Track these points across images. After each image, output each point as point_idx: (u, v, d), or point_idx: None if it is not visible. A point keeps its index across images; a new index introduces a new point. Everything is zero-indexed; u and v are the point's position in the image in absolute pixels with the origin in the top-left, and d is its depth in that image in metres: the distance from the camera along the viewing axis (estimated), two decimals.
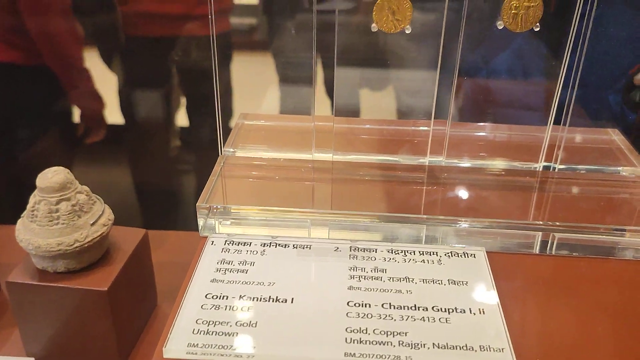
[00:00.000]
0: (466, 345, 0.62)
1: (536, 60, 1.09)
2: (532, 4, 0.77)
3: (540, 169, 0.90)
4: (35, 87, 1.45)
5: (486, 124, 0.99)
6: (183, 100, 1.58)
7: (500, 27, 0.78)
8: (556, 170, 0.90)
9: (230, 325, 0.65)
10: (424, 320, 0.66)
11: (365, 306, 0.68)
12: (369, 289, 0.70)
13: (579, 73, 0.83)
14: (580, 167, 0.91)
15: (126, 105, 1.55)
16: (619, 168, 0.91)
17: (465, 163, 0.92)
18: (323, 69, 1.08)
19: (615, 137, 0.99)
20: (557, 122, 0.87)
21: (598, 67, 0.82)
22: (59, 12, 1.37)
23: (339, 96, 0.90)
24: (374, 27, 0.80)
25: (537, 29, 0.78)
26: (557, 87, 0.84)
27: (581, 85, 0.84)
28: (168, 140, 1.62)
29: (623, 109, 1.17)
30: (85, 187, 0.77)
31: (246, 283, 0.71)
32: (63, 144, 1.60)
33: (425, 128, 0.93)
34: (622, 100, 1.16)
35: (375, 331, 0.64)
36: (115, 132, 1.56)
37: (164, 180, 1.66)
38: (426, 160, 0.91)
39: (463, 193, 0.87)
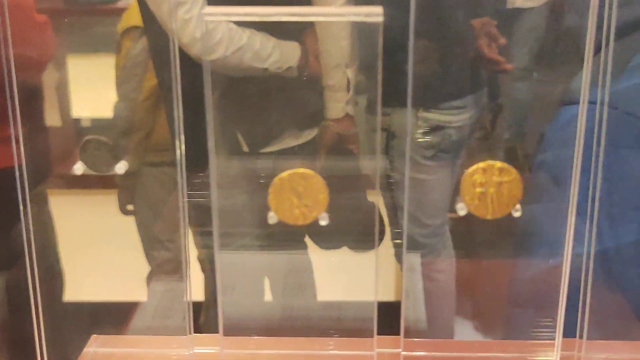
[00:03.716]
0: None
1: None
2: (505, 179, 0.51)
3: None
4: None
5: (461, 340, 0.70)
6: None
7: (463, 213, 0.52)
8: None
9: None
10: None
11: None
12: None
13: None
14: None
15: None
16: None
17: None
18: None
19: None
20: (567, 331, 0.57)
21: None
22: None
23: (227, 304, 0.58)
24: (272, 216, 0.51)
25: (518, 214, 0.52)
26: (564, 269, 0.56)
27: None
28: None
29: None
30: None
31: None
32: None
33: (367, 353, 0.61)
34: None
35: None
36: None
37: None
38: None
39: None
